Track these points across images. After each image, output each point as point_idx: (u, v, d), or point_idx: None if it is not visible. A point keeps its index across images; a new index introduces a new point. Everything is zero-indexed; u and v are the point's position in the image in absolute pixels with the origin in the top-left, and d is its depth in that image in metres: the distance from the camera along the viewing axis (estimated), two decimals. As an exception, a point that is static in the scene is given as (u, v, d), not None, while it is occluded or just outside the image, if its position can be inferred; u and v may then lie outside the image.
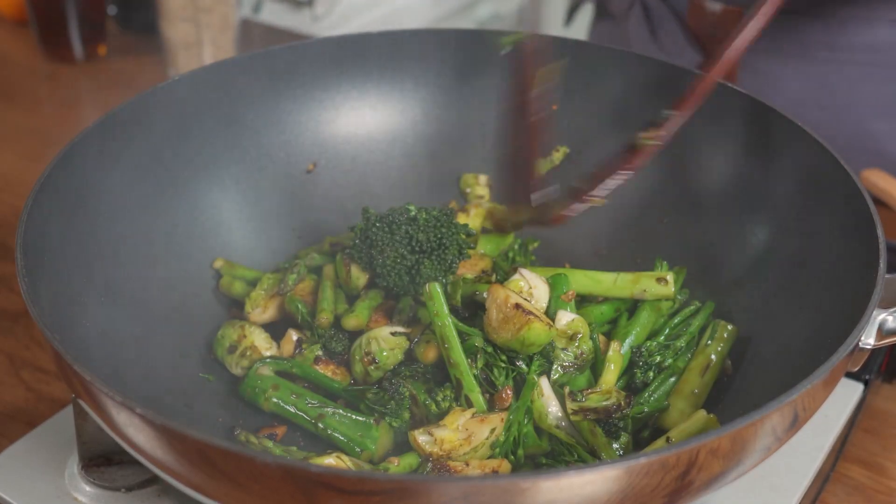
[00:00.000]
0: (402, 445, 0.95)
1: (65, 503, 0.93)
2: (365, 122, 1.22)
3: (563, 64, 1.06)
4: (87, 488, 0.93)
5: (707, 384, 0.99)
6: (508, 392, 0.94)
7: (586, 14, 1.90)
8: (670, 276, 1.03)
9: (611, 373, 0.97)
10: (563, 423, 0.94)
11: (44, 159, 0.99)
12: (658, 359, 1.00)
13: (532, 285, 0.99)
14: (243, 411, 0.99)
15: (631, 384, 1.00)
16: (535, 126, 1.05)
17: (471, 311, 1.01)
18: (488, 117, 1.22)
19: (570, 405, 0.94)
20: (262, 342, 1.02)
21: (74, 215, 0.98)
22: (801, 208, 1.04)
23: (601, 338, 1.00)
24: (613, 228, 1.17)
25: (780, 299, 1.01)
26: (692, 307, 1.05)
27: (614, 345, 0.98)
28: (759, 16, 1.03)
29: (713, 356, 1.00)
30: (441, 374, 0.98)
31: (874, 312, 0.86)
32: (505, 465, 0.92)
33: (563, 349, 0.96)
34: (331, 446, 0.95)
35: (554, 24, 3.19)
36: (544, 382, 0.95)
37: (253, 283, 1.09)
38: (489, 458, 0.92)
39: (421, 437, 0.91)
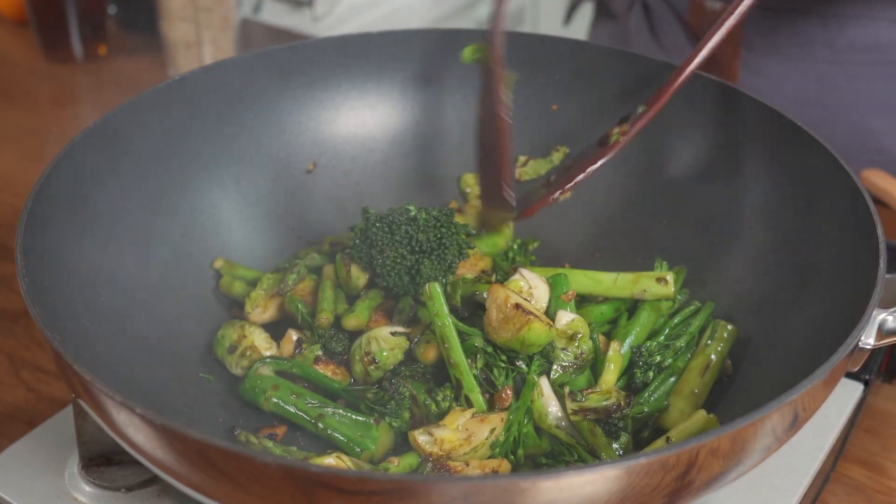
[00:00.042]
0: (402, 445, 0.95)
1: (65, 503, 0.93)
2: (365, 122, 1.22)
3: (516, 78, 1.08)
4: (87, 488, 0.93)
5: (707, 384, 0.99)
6: (508, 392, 0.94)
7: (586, 14, 1.90)
8: (670, 276, 1.03)
9: (611, 373, 0.97)
10: (563, 423, 0.94)
11: (44, 159, 0.99)
12: (658, 359, 1.00)
13: (532, 285, 0.99)
14: (243, 411, 0.99)
15: (631, 384, 1.00)
16: (505, 128, 1.06)
17: (471, 311, 1.01)
18: (488, 117, 1.22)
19: (570, 405, 0.94)
20: (262, 342, 1.02)
21: (74, 215, 0.98)
22: (801, 208, 1.04)
23: (601, 338, 1.00)
24: (613, 228, 1.17)
25: (780, 299, 1.01)
26: (692, 307, 1.05)
27: (614, 345, 0.98)
28: (735, 15, 1.04)
29: (713, 356, 1.00)
30: (441, 374, 0.98)
31: (874, 312, 0.86)
32: (505, 465, 0.92)
33: (563, 349, 0.96)
34: (331, 446, 0.95)
35: (554, 24, 3.19)
36: (544, 382, 0.95)
37: (253, 283, 1.09)
38: (489, 458, 0.92)
39: (421, 437, 0.91)
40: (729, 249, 1.09)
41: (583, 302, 1.04)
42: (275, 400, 0.97)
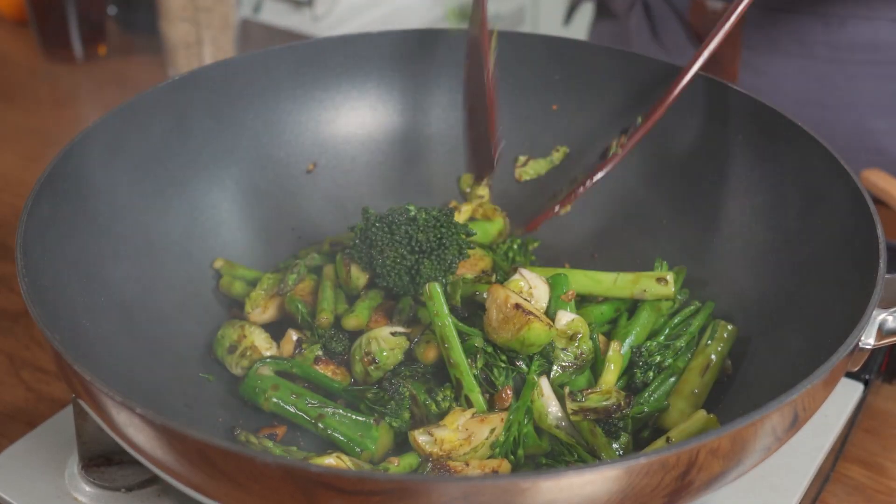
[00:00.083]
0: (402, 445, 0.95)
1: (65, 503, 0.93)
2: (365, 122, 1.22)
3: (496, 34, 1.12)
4: (87, 488, 0.93)
5: (707, 384, 0.99)
6: (508, 392, 0.94)
7: (586, 14, 1.90)
8: (670, 276, 1.03)
9: (611, 373, 0.97)
10: (563, 423, 0.94)
11: (44, 159, 0.99)
12: (658, 359, 1.00)
13: (532, 285, 0.99)
14: (243, 411, 0.99)
15: (631, 384, 1.00)
16: (491, 90, 1.08)
17: (471, 311, 1.01)
18: (488, 117, 1.22)
19: (570, 405, 0.94)
20: (262, 342, 1.02)
21: (74, 215, 0.98)
22: (801, 208, 1.04)
23: (601, 338, 1.00)
24: (613, 228, 1.17)
25: (780, 299, 1.01)
26: (692, 307, 1.05)
27: (614, 345, 0.98)
28: (730, 21, 1.05)
29: (713, 356, 1.00)
30: (441, 374, 0.98)
31: (874, 312, 0.86)
32: (505, 465, 0.92)
33: (563, 349, 0.96)
34: (331, 446, 0.95)
35: (554, 24, 3.19)
36: (544, 382, 0.95)
37: (253, 283, 1.09)
38: (489, 458, 0.92)
39: (421, 437, 0.91)
40: (729, 249, 1.09)
41: (583, 302, 1.04)
42: (275, 400, 0.97)
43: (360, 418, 0.95)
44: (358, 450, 0.93)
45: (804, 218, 1.03)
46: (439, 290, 0.96)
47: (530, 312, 0.93)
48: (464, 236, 1.04)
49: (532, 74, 1.20)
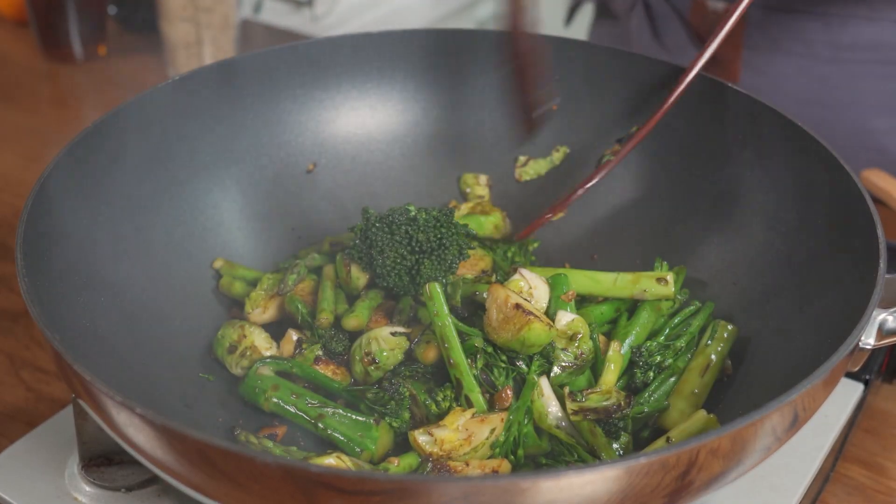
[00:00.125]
0: (402, 445, 0.95)
1: (65, 503, 0.93)
2: (365, 122, 1.22)
3: None
4: (87, 488, 0.93)
5: (707, 384, 0.99)
6: (508, 392, 0.94)
7: (587, 14, 1.90)
8: (670, 276, 1.03)
9: (611, 373, 0.97)
10: (563, 423, 0.94)
11: (44, 159, 0.99)
12: (658, 359, 1.00)
13: (532, 285, 0.99)
14: (243, 411, 0.99)
15: (631, 384, 1.00)
16: (531, 48, 1.07)
17: (471, 311, 1.01)
18: (488, 117, 1.22)
19: (570, 405, 0.94)
20: (262, 342, 1.02)
21: (74, 215, 0.98)
22: (801, 208, 1.04)
23: (601, 338, 1.00)
24: (613, 228, 1.17)
25: (780, 299, 1.01)
26: (692, 307, 1.05)
27: (614, 345, 0.98)
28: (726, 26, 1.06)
29: (713, 356, 1.00)
30: (441, 374, 0.98)
31: (874, 312, 0.86)
32: (505, 465, 0.92)
33: (563, 349, 0.96)
34: (331, 446, 0.95)
35: (554, 24, 3.19)
36: (544, 382, 0.95)
37: (253, 283, 1.09)
38: (489, 458, 0.92)
39: (421, 437, 0.91)
40: (729, 250, 1.09)
41: (583, 302, 1.04)
42: (275, 400, 0.97)
43: (360, 418, 0.95)
44: (358, 450, 0.93)
45: (804, 218, 1.03)
46: (439, 290, 0.96)
47: (530, 312, 0.93)
48: (464, 236, 1.04)
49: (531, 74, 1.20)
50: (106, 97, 1.72)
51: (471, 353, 0.95)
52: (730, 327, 1.02)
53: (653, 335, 1.02)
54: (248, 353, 1.02)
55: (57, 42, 1.76)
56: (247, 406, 0.99)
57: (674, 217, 1.14)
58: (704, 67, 1.08)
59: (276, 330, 1.05)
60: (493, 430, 0.92)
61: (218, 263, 1.11)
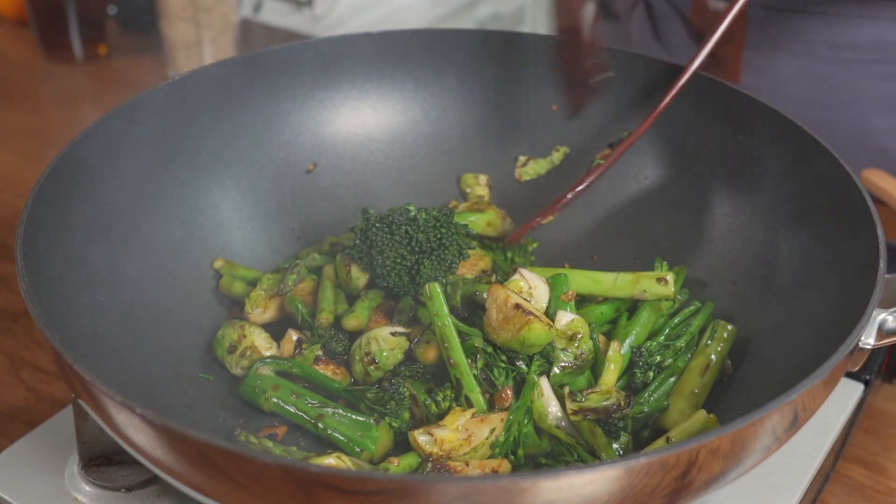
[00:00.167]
0: (402, 445, 0.95)
1: (65, 503, 0.93)
2: (365, 122, 1.22)
3: None
4: (87, 488, 0.93)
5: (707, 384, 0.99)
6: (508, 392, 0.94)
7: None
8: (670, 276, 1.03)
9: (611, 373, 0.97)
10: (563, 423, 0.94)
11: (44, 159, 0.99)
12: (658, 359, 1.00)
13: (532, 285, 0.99)
14: (243, 411, 0.99)
15: (631, 384, 1.00)
16: (586, 14, 1.05)
17: (471, 311, 1.01)
18: (488, 117, 1.22)
19: (570, 405, 0.94)
20: (262, 342, 1.02)
21: (74, 215, 0.98)
22: (801, 208, 1.04)
23: (601, 338, 1.00)
24: (613, 228, 1.17)
25: (780, 299, 1.01)
26: (692, 307, 1.05)
27: (614, 345, 0.98)
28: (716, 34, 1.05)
29: (713, 356, 1.00)
30: (441, 374, 0.98)
31: (874, 312, 0.86)
32: (505, 465, 0.92)
33: (562, 349, 0.96)
34: (331, 446, 0.95)
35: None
36: (544, 382, 0.95)
37: (253, 283, 1.09)
38: (489, 458, 0.92)
39: (421, 437, 0.91)
40: (729, 249, 1.09)
41: (583, 302, 1.04)
42: (275, 400, 0.97)
43: (360, 418, 0.95)
44: (358, 450, 0.93)
45: (804, 218, 1.03)
46: (439, 290, 0.96)
47: (530, 312, 0.93)
48: (464, 236, 1.04)
49: (532, 74, 1.20)
50: (106, 97, 1.72)
51: (471, 353, 0.95)
52: (730, 327, 1.02)
53: (653, 335, 1.02)
54: (248, 353, 1.02)
55: (57, 42, 1.76)
56: (247, 406, 0.99)
57: (674, 217, 1.14)
58: (705, 67, 1.08)
59: (276, 330, 1.05)
60: (493, 430, 0.92)
61: (218, 263, 1.11)
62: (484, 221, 1.14)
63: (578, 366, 0.97)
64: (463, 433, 0.91)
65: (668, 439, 0.94)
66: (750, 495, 0.94)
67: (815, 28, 1.46)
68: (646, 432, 0.97)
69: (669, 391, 0.99)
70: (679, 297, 1.06)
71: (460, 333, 0.96)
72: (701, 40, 1.08)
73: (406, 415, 0.96)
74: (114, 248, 1.01)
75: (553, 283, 1.01)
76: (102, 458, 0.94)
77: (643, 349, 1.00)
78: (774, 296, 1.02)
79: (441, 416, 0.94)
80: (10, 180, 1.48)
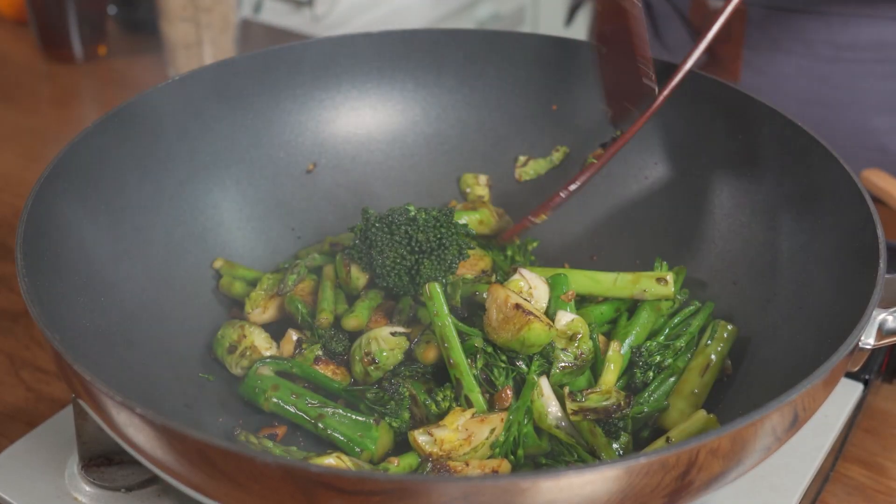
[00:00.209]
0: (402, 445, 0.95)
1: (65, 503, 0.93)
2: (365, 122, 1.22)
3: None
4: (87, 488, 0.93)
5: (707, 384, 0.99)
6: (508, 392, 0.94)
7: (586, 14, 1.90)
8: (670, 276, 1.03)
9: (611, 373, 0.97)
10: (563, 423, 0.94)
11: (44, 159, 0.99)
12: (658, 359, 1.00)
13: (532, 285, 0.99)
14: (243, 411, 0.99)
15: (631, 384, 1.00)
16: (635, 12, 1.04)
17: (471, 311, 1.01)
18: (488, 117, 1.22)
19: (570, 405, 0.94)
20: (262, 342, 1.02)
21: (74, 215, 0.98)
22: (801, 208, 1.04)
23: (601, 338, 1.00)
24: (613, 228, 1.17)
25: (779, 299, 1.01)
26: (692, 307, 1.05)
27: (614, 345, 0.98)
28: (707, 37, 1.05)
29: (713, 356, 1.00)
30: (441, 374, 0.98)
31: (874, 312, 0.86)
32: (505, 465, 0.92)
33: (562, 349, 0.96)
34: (331, 446, 0.95)
35: (554, 24, 3.19)
36: (544, 382, 0.95)
37: (253, 283, 1.09)
38: (489, 458, 0.92)
39: (421, 437, 0.91)
40: (729, 249, 1.09)
41: (583, 302, 1.04)
42: (275, 400, 0.97)
43: (360, 418, 0.95)
44: (358, 450, 0.93)
45: (804, 218, 1.03)
46: (439, 290, 0.96)
47: (530, 312, 0.93)
48: (464, 236, 1.04)
49: (532, 74, 1.20)
50: (106, 97, 1.72)
51: (471, 353, 0.95)
52: (730, 327, 1.02)
53: (653, 335, 1.02)
54: (248, 353, 1.02)
55: (57, 42, 1.76)
56: (247, 406, 0.99)
57: (674, 217, 1.14)
58: (704, 67, 1.08)
59: (276, 330, 1.05)
60: (492, 430, 0.92)
61: (218, 263, 1.11)
62: (476, 220, 1.14)
63: (578, 366, 0.97)
64: (463, 433, 0.91)
65: (668, 439, 0.94)
66: (750, 495, 0.94)
67: (815, 28, 1.46)
68: (646, 432, 0.97)
69: (669, 391, 0.99)
70: (679, 297, 1.06)
71: (460, 333, 0.96)
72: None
73: (406, 415, 0.96)
74: (114, 247, 1.01)
75: (553, 283, 1.01)
76: (102, 458, 0.94)
77: (643, 349, 1.00)
78: (774, 296, 1.02)
79: (441, 416, 0.94)
80: (10, 180, 1.48)
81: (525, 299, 0.96)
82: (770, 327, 1.00)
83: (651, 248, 1.13)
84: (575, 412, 0.94)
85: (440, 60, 1.21)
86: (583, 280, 1.04)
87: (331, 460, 0.89)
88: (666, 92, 1.07)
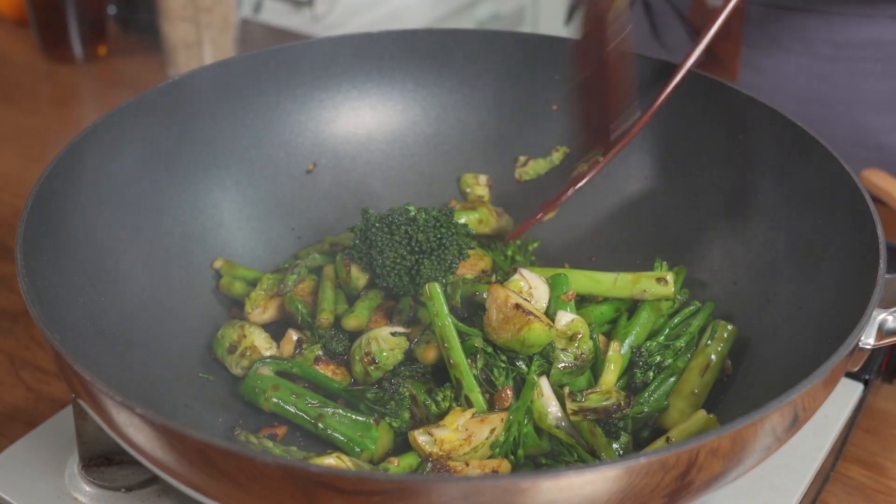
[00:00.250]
0: (402, 445, 0.95)
1: (65, 503, 0.93)
2: (365, 122, 1.22)
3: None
4: (87, 488, 0.93)
5: (707, 384, 0.99)
6: (508, 392, 0.94)
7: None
8: (670, 276, 1.03)
9: (611, 373, 0.97)
10: (563, 423, 0.94)
11: (44, 159, 0.99)
12: (658, 359, 1.00)
13: (532, 285, 0.99)
14: (243, 411, 0.99)
15: (631, 384, 1.00)
16: (613, 53, 1.04)
17: (471, 311, 1.01)
18: (488, 117, 1.22)
19: (570, 405, 0.94)
20: (262, 342, 1.02)
21: (74, 215, 0.98)
22: (800, 208, 1.04)
23: (601, 338, 1.00)
24: (613, 228, 1.17)
25: (780, 299, 1.01)
26: (692, 307, 1.05)
27: (614, 345, 0.98)
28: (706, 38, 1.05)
29: (713, 356, 1.00)
30: (441, 374, 0.98)
31: (874, 312, 0.86)
32: (505, 465, 0.92)
33: (562, 349, 0.96)
34: (331, 446, 0.95)
35: (554, 24, 3.19)
36: (544, 382, 0.95)
37: (253, 283, 1.09)
38: (489, 458, 0.92)
39: (421, 437, 0.91)
40: (729, 250, 1.09)
41: (583, 302, 1.04)
42: (275, 400, 0.97)
43: (360, 418, 0.95)
44: (358, 450, 0.93)
45: (804, 217, 1.03)
46: (439, 290, 0.96)
47: (530, 312, 0.93)
48: (464, 236, 1.04)
49: (532, 74, 1.20)
50: (106, 97, 1.72)
51: (471, 353, 0.95)
52: (730, 327, 1.02)
53: (653, 335, 1.02)
54: (248, 353, 1.02)
55: (57, 42, 1.76)
56: (247, 406, 0.99)
57: (674, 217, 1.14)
58: (703, 65, 1.08)
59: (276, 330, 1.05)
60: (492, 430, 0.92)
61: (218, 263, 1.11)
62: (476, 220, 1.14)
63: (578, 366, 0.97)
64: (463, 433, 0.91)
65: (668, 439, 0.94)
66: (750, 495, 0.94)
67: (814, 26, 1.46)
68: (646, 432, 0.97)
69: (669, 391, 0.99)
70: (679, 297, 1.06)
71: (460, 333, 0.96)
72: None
73: (406, 415, 0.96)
74: (114, 248, 1.01)
75: (553, 283, 1.01)
76: (102, 458, 0.94)
77: (643, 349, 1.00)
78: (774, 296, 1.02)
79: (441, 416, 0.94)
80: (10, 180, 1.48)
81: (525, 299, 0.96)
82: (770, 327, 1.00)
83: (651, 248, 1.13)
84: (575, 412, 0.94)
85: (440, 60, 1.21)
86: (583, 280, 1.04)
87: (331, 460, 0.89)
88: (666, 92, 1.07)
